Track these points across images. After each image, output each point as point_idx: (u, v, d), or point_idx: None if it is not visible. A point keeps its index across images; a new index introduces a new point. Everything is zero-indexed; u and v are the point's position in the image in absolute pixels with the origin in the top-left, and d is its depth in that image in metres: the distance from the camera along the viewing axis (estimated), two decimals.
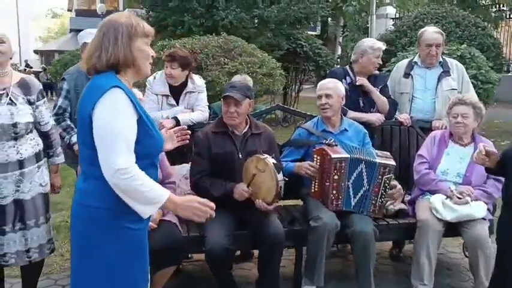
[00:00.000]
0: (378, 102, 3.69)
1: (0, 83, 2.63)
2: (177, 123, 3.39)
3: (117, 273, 1.84)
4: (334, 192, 3.03)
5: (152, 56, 1.94)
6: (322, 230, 2.89)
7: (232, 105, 2.96)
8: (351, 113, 3.63)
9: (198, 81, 3.63)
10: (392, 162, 3.05)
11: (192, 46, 6.78)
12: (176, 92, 3.57)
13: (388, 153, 3.18)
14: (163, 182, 2.97)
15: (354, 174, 3.04)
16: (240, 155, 2.99)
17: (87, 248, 1.87)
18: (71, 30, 35.23)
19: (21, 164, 2.62)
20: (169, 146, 2.28)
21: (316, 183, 3.12)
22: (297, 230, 3.09)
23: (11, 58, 2.72)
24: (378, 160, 3.03)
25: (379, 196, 3.06)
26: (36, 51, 41.46)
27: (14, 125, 2.55)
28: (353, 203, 3.06)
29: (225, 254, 2.77)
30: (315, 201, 3.14)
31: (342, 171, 3.01)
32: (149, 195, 1.76)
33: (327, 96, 3.24)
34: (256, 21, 10.16)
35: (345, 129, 3.31)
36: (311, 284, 3.00)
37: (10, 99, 2.60)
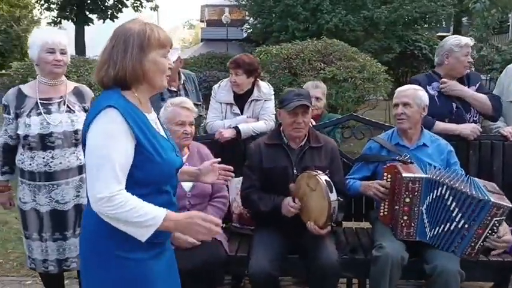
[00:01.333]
0: (474, 104, 3.14)
1: (57, 91, 2.68)
2: (238, 133, 3.21)
3: None
4: (405, 217, 2.57)
5: (170, 68, 1.75)
6: (384, 261, 2.46)
7: (300, 115, 2.68)
8: (440, 125, 3.11)
9: (264, 89, 3.41)
10: (507, 203, 2.44)
11: (288, 51, 6.58)
12: (241, 100, 3.39)
13: (494, 185, 2.60)
14: (213, 196, 2.81)
15: (429, 199, 2.54)
16: (295, 171, 2.70)
17: (86, 270, 1.76)
18: (202, 40, 37.43)
19: (80, 169, 2.67)
20: (209, 179, 2.10)
21: (386, 206, 2.69)
22: (359, 260, 2.69)
23: None
24: (492, 200, 2.42)
25: (482, 239, 2.48)
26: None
27: (75, 132, 2.60)
28: (429, 234, 2.55)
29: (268, 280, 2.49)
30: (383, 226, 2.71)
31: (415, 193, 2.53)
32: (141, 220, 1.57)
33: (405, 105, 2.79)
34: (364, 23, 9.58)
35: (424, 145, 2.82)
36: None
37: (68, 106, 2.65)
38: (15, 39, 25.47)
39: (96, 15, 21.41)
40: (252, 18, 11.07)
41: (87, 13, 21.33)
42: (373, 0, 9.76)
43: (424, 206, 2.54)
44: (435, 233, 2.54)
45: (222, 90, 3.40)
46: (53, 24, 22.11)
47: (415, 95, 2.81)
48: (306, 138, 2.79)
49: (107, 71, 1.67)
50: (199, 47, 35.50)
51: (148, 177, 1.66)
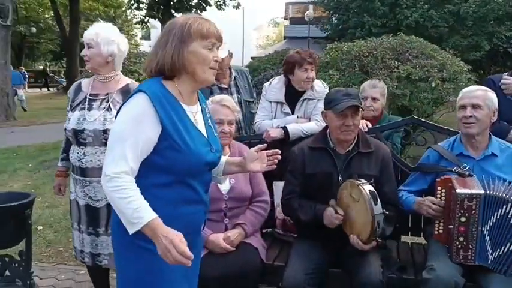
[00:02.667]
0: None
1: (106, 88, 2.66)
2: (286, 133, 3.03)
3: None
4: (461, 239, 2.25)
5: (216, 60, 1.71)
6: (433, 285, 2.17)
7: (350, 117, 2.46)
8: None
9: (318, 87, 3.19)
10: None
11: (360, 48, 6.24)
12: (293, 99, 3.20)
13: None
14: (253, 200, 2.67)
15: (493, 219, 2.20)
16: (340, 178, 2.47)
17: (116, 259, 1.81)
18: (285, 38, 37.46)
19: None
20: (256, 167, 1.98)
21: (442, 224, 2.38)
22: (408, 280, 2.41)
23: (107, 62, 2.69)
24: None
25: None
26: (252, 58, 45.47)
27: (105, 132, 2.56)
28: (491, 258, 2.22)
29: None
30: (439, 245, 2.41)
31: (472, 212, 2.21)
32: (129, 213, 1.56)
33: (474, 106, 2.45)
34: (449, 18, 8.87)
35: (493, 154, 2.46)
36: None
37: (109, 105, 2.62)
38: None
39: (181, 13, 22.13)
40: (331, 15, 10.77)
41: (173, 12, 22.13)
42: None
43: (487, 226, 2.21)
44: (496, 255, 2.20)
45: (273, 89, 3.24)
46: (141, 23, 23.29)
47: (485, 96, 2.46)
48: (354, 142, 2.56)
49: (151, 62, 1.72)
50: (282, 45, 35.52)
51: (170, 165, 1.65)
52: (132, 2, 22.53)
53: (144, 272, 1.70)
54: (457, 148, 2.54)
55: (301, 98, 3.18)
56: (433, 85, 5.54)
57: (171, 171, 1.67)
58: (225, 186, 2.55)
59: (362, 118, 3.17)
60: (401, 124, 3.05)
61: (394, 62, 6.00)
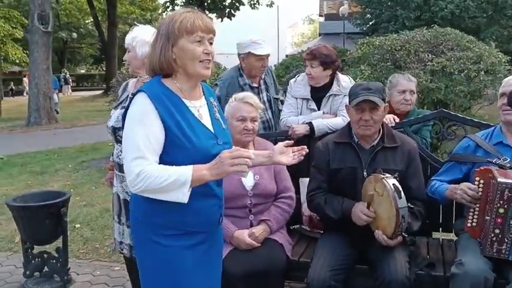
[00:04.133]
0: None
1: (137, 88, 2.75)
2: (311, 129, 3.02)
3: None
4: (497, 231, 2.19)
5: (207, 53, 1.72)
6: (462, 281, 2.11)
7: (367, 112, 2.42)
8: None
9: (344, 83, 3.15)
10: None
11: (392, 42, 6.11)
12: (319, 95, 3.18)
13: None
14: (278, 196, 2.68)
15: None
16: (365, 173, 2.44)
17: (136, 253, 1.88)
18: (320, 34, 37.13)
19: None
20: (283, 159, 1.97)
21: (476, 216, 2.31)
22: (437, 277, 2.35)
23: None
24: None
25: None
26: (287, 55, 45.34)
27: (118, 129, 2.61)
28: None
29: None
30: (470, 239, 2.34)
31: None
32: (170, 182, 1.61)
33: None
34: (487, 8, 8.56)
35: None
36: None
37: None
38: None
39: (215, 14, 22.30)
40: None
41: (207, 12, 22.32)
42: None
43: None
44: None
45: (298, 85, 3.23)
46: None
47: None
48: (379, 137, 2.52)
49: (147, 63, 1.80)
50: (316, 42, 35.29)
51: (176, 162, 1.66)
52: (168, 4, 22.85)
53: (156, 265, 1.75)
54: (496, 137, 2.46)
55: (327, 94, 3.15)
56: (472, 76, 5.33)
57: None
58: (249, 183, 2.57)
59: (393, 112, 3.15)
60: (429, 118, 2.97)
61: (428, 55, 5.84)
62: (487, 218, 2.23)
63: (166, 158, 1.68)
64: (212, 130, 1.79)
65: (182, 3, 22.67)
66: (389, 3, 9.29)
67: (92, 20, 31.01)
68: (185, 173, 1.60)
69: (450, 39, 6.12)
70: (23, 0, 31.22)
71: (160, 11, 31.09)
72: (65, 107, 16.19)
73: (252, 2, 23.24)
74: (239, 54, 3.35)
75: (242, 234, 2.46)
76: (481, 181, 2.28)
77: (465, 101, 5.93)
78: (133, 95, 1.80)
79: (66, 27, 31.99)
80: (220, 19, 22.71)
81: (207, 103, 1.86)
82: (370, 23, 8.84)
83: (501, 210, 2.18)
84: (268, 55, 3.32)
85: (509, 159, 2.32)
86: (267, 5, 24.21)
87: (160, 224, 1.71)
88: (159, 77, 1.76)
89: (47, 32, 12.81)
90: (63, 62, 36.77)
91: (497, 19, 8.63)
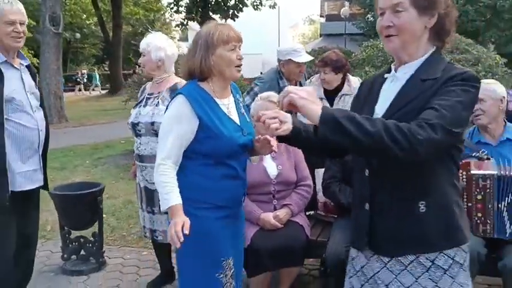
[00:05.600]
0: None
1: (159, 87, 3.09)
2: None
3: (183, 255, 2.13)
4: (479, 214, 2.54)
5: (239, 59, 2.09)
6: None
7: None
8: None
9: (355, 84, 3.52)
10: None
11: None
12: (332, 95, 3.54)
13: None
14: (297, 184, 3.03)
15: (510, 196, 2.48)
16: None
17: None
18: (321, 35, 37.37)
19: None
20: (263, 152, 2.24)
21: (465, 202, 2.67)
22: None
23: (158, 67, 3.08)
24: None
25: None
26: None
27: (152, 124, 2.95)
28: (509, 231, 2.51)
29: (341, 265, 2.63)
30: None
31: (487, 190, 2.50)
32: (162, 193, 2.02)
33: (479, 101, 2.73)
34: (485, 12, 8.92)
35: (508, 139, 2.73)
36: None
37: (158, 101, 3.01)
38: None
39: (218, 15, 22.66)
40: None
41: (211, 14, 22.67)
42: None
43: (504, 203, 2.49)
44: None
45: (312, 86, 3.59)
46: (180, 26, 23.95)
47: (487, 88, 2.72)
48: None
49: (184, 69, 2.14)
50: (318, 42, 35.55)
51: (210, 150, 2.04)
52: (172, 5, 23.21)
53: (192, 232, 2.01)
54: (475, 137, 2.83)
55: (339, 94, 3.51)
56: None
57: (212, 155, 2.06)
58: (273, 172, 2.92)
59: None
60: None
61: None
62: (469, 204, 2.58)
63: (202, 147, 2.04)
64: (239, 123, 2.15)
65: (186, 5, 23.06)
66: None
67: (95, 20, 31.36)
68: (169, 201, 2.00)
69: (450, 42, 6.47)
70: (28, 1, 31.61)
71: (163, 12, 31.46)
72: (70, 107, 16.46)
73: (255, 4, 23.60)
74: (279, 60, 3.68)
75: (268, 216, 2.81)
76: (463, 173, 2.63)
77: None
78: (172, 97, 2.17)
79: (69, 27, 32.30)
80: (223, 20, 23.09)
81: (234, 100, 2.22)
82: (373, 26, 9.14)
83: (479, 197, 2.52)
84: (306, 62, 3.68)
85: (486, 152, 2.67)
86: (270, 6, 24.56)
87: (196, 198, 2.07)
88: (195, 80, 2.11)
89: (57, 33, 13.15)
90: (66, 62, 37.09)
91: (496, 23, 8.99)
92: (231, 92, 2.23)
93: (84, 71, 33.13)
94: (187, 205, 2.02)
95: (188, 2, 22.78)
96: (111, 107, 17.60)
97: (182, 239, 1.90)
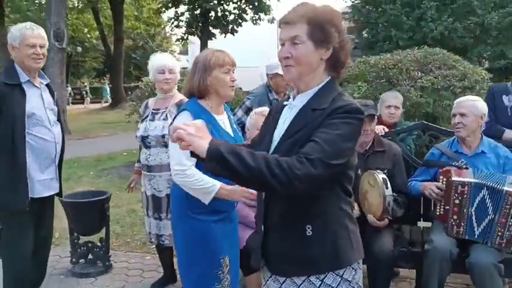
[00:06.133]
0: None
1: (166, 103, 3.39)
2: None
3: (186, 255, 2.40)
4: (455, 217, 2.84)
5: (232, 81, 2.41)
6: (433, 254, 2.76)
7: (367, 123, 3.09)
8: (509, 134, 3.27)
9: None
10: None
11: (386, 61, 6.79)
12: None
13: None
14: None
15: (477, 201, 2.78)
16: (360, 172, 3.08)
17: (174, 230, 2.51)
18: None
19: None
20: None
21: (442, 206, 2.96)
22: (416, 252, 3.00)
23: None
24: (505, 188, 2.70)
25: (507, 228, 2.71)
26: None
27: (163, 136, 3.24)
28: (477, 233, 2.80)
29: None
30: (439, 224, 3.00)
31: (464, 196, 2.79)
32: (203, 187, 2.27)
33: (461, 115, 3.05)
34: (474, 29, 9.29)
35: (483, 152, 3.03)
36: None
37: (166, 115, 3.31)
38: (151, 54, 28.74)
39: (218, 30, 23.08)
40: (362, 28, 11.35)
41: (211, 28, 23.10)
42: (483, 6, 9.39)
43: (473, 208, 2.78)
44: (481, 231, 2.77)
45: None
46: (181, 40, 24.38)
47: (471, 105, 3.04)
48: (371, 143, 3.17)
49: (186, 87, 2.47)
50: None
51: None
52: (172, 20, 23.66)
53: (191, 234, 2.34)
54: (455, 146, 3.12)
55: None
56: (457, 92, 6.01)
57: None
58: None
59: (383, 123, 3.80)
60: (412, 128, 3.64)
61: (418, 73, 6.52)
62: (447, 207, 2.87)
63: None
64: (232, 135, 2.48)
65: (187, 20, 23.52)
66: (384, 24, 10.01)
67: (96, 34, 31.86)
68: (215, 185, 2.26)
69: (438, 59, 6.79)
70: (33, 18, 32.14)
71: (163, 26, 31.98)
72: (72, 120, 16.77)
73: (254, 19, 24.04)
74: (267, 74, 4.01)
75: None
76: (444, 179, 2.93)
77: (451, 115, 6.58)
78: (178, 111, 2.47)
79: (71, 41, 32.80)
80: (223, 35, 23.53)
81: (228, 116, 2.55)
82: (367, 42, 9.56)
83: (456, 201, 2.83)
84: (276, 75, 3.97)
85: (465, 162, 2.97)
86: (268, 21, 24.98)
87: (195, 204, 2.33)
88: (195, 98, 2.42)
89: (61, 48, 13.51)
90: (67, 75, 37.51)
91: (484, 39, 9.35)
92: (224, 110, 2.55)
93: (86, 84, 33.69)
94: (188, 210, 2.31)
95: (188, 17, 23.23)
96: (112, 119, 17.93)
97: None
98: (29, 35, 2.92)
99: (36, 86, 2.99)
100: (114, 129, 14.99)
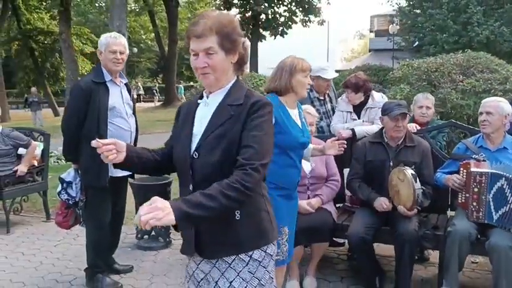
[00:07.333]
0: None
1: None
2: (353, 134, 4.11)
3: None
4: (475, 204, 3.20)
5: (309, 83, 2.93)
6: (453, 235, 3.13)
7: (400, 121, 3.50)
8: None
9: (377, 98, 4.23)
10: None
11: (428, 65, 7.07)
12: (359, 108, 4.27)
13: None
14: (328, 179, 3.77)
15: (494, 189, 3.13)
16: (391, 164, 3.50)
17: None
18: (370, 50, 37.62)
19: None
20: (331, 152, 3.13)
21: (464, 195, 3.33)
22: (439, 235, 3.37)
23: None
24: None
25: None
26: (337, 71, 45.88)
27: None
28: (495, 217, 3.14)
29: (360, 242, 3.35)
30: (461, 210, 3.36)
31: (482, 184, 3.15)
32: None
33: (488, 113, 3.38)
34: None
35: (505, 148, 3.36)
36: (446, 285, 3.24)
37: None
38: None
39: (268, 32, 23.68)
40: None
41: (261, 30, 23.73)
42: None
43: (491, 195, 3.14)
44: (499, 216, 3.11)
45: (342, 102, 4.34)
46: None
47: (497, 105, 3.37)
48: (402, 139, 3.57)
49: (270, 85, 2.94)
50: (366, 58, 35.82)
51: (279, 142, 2.68)
52: None
53: None
54: (480, 142, 3.47)
55: (365, 107, 4.24)
56: (497, 95, 6.22)
57: (279, 146, 2.73)
58: (308, 168, 3.67)
59: (416, 122, 4.18)
60: (442, 126, 4.00)
61: (460, 76, 6.76)
62: (467, 195, 3.24)
63: (275, 140, 2.78)
64: (301, 127, 2.91)
65: (238, 21, 24.24)
66: (431, 28, 10.17)
67: (152, 36, 33.24)
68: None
69: (481, 63, 7.01)
70: (90, 18, 34.01)
71: None
72: None
73: (304, 21, 24.46)
74: (310, 76, 4.47)
75: (303, 203, 3.53)
76: (464, 171, 3.30)
77: None
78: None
79: (128, 42, 34.38)
80: (273, 36, 24.11)
81: (299, 112, 3.00)
82: (414, 45, 9.77)
83: (475, 190, 3.19)
84: (332, 79, 4.44)
85: (484, 155, 3.31)
86: (318, 23, 25.34)
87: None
88: (275, 94, 2.89)
89: None
90: None
91: None
92: (297, 106, 3.02)
93: (139, 84, 35.38)
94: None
95: (240, 18, 23.97)
96: (164, 117, 18.83)
97: None
98: (112, 42, 3.54)
99: (117, 84, 3.61)
100: (167, 127, 15.83)
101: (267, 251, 1.79)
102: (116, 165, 1.79)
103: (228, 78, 1.79)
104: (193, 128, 1.79)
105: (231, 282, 1.74)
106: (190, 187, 1.74)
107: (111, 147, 1.73)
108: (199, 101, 1.85)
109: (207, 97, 1.82)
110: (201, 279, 1.83)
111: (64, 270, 4.10)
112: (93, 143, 1.71)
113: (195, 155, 1.72)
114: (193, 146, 1.74)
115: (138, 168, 1.90)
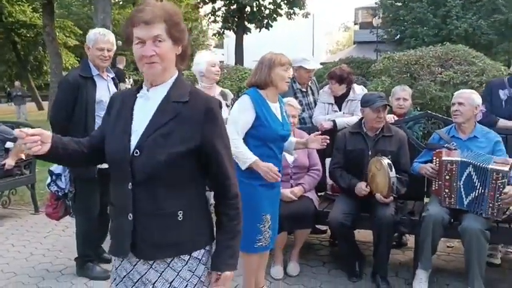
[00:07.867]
0: None
1: (210, 92, 4.03)
2: (334, 125, 4.26)
3: None
4: (447, 190, 3.39)
5: (289, 77, 3.04)
6: (427, 220, 3.31)
7: (381, 112, 3.65)
8: (502, 122, 3.78)
9: (358, 91, 4.39)
10: (505, 168, 3.18)
11: (409, 58, 7.26)
12: (340, 100, 4.43)
13: (507, 159, 3.30)
14: (310, 168, 3.93)
15: (464, 176, 3.32)
16: (370, 152, 3.67)
17: None
18: (355, 43, 37.80)
19: None
20: (314, 146, 3.29)
21: (437, 182, 3.51)
22: (414, 220, 3.55)
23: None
24: (490, 166, 3.22)
25: (495, 200, 3.24)
26: (322, 63, 46.06)
27: None
28: (466, 202, 3.33)
29: (340, 227, 3.52)
30: (435, 197, 3.54)
31: (453, 172, 3.34)
32: (241, 156, 2.87)
33: (459, 104, 3.56)
34: (499, 27, 9.56)
35: (475, 137, 3.55)
36: (421, 267, 3.42)
37: None
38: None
39: (253, 24, 23.71)
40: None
41: (246, 23, 23.75)
42: (508, 4, 9.64)
43: (461, 181, 3.32)
44: (469, 201, 3.31)
45: (324, 94, 4.49)
46: (217, 35, 25.14)
47: (468, 96, 3.56)
48: (380, 128, 3.73)
49: (251, 80, 3.06)
50: (350, 50, 36.03)
51: (259, 135, 2.94)
52: (209, 16, 24.44)
53: (244, 194, 2.89)
54: (452, 132, 3.66)
55: (346, 99, 4.39)
56: (474, 87, 6.44)
57: (260, 138, 2.94)
58: (290, 159, 3.82)
59: (394, 113, 4.35)
60: (418, 117, 4.17)
61: (438, 68, 6.96)
62: (440, 183, 3.42)
63: (255, 132, 2.92)
64: (281, 120, 3.04)
65: (223, 14, 24.25)
66: (412, 21, 10.38)
67: None
68: (249, 159, 2.87)
69: (459, 55, 7.21)
70: (73, 10, 33.63)
71: (199, 20, 32.84)
72: None
73: (289, 13, 24.52)
74: (292, 67, 4.59)
75: (286, 191, 3.68)
76: (437, 159, 3.48)
77: None
78: (239, 96, 3.08)
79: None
80: (258, 29, 24.15)
81: (280, 106, 3.12)
82: (396, 38, 9.99)
83: (447, 177, 3.38)
84: (314, 69, 4.57)
85: (455, 144, 3.49)
86: (303, 15, 25.39)
87: (246, 171, 2.90)
88: (256, 88, 3.02)
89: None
90: None
91: (509, 36, 9.60)
92: (278, 100, 3.14)
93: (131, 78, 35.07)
94: (239, 175, 2.90)
95: (224, 12, 23.96)
96: None
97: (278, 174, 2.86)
98: (100, 40, 3.63)
99: (104, 79, 3.70)
100: None
101: (206, 248, 1.75)
102: (39, 157, 1.68)
103: (170, 72, 1.70)
104: (132, 123, 1.67)
105: (171, 282, 1.68)
106: (129, 186, 1.62)
107: (36, 138, 1.61)
108: (138, 94, 1.73)
109: (148, 90, 1.70)
110: (137, 281, 1.72)
111: (54, 260, 4.20)
112: (17, 132, 1.60)
113: (136, 152, 1.60)
114: (134, 143, 1.63)
115: (63, 160, 1.83)
